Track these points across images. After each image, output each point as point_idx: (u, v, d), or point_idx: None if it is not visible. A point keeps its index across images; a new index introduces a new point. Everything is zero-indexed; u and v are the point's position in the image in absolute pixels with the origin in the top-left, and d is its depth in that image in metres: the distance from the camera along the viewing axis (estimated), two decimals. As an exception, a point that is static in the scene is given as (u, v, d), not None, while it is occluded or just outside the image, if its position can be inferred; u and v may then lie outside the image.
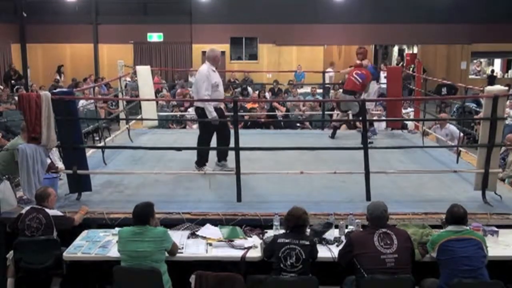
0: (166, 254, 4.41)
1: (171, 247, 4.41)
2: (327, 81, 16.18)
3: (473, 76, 21.81)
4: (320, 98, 13.76)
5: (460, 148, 7.41)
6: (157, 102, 10.59)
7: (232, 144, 5.67)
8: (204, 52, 20.35)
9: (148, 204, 4.46)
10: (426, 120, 9.67)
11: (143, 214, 4.37)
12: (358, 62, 8.85)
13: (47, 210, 4.89)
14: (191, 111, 11.63)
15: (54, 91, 6.16)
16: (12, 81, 17.70)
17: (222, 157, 6.74)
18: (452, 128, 8.56)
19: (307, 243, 4.25)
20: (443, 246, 4.23)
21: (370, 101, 8.00)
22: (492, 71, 21.48)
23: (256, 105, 12.51)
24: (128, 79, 13.67)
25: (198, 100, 6.52)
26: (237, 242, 4.72)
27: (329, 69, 17.17)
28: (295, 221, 4.32)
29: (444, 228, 4.49)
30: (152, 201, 4.54)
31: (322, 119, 10.72)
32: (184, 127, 11.13)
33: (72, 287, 5.05)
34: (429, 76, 12.12)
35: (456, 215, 4.34)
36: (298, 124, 11.76)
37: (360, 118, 6.40)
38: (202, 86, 6.38)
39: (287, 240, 4.24)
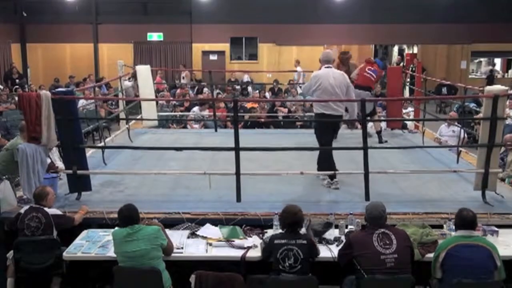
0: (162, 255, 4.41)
1: (166, 244, 4.40)
2: (299, 79, 16.34)
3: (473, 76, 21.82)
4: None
5: (460, 148, 7.41)
6: (157, 102, 10.59)
7: (232, 144, 5.66)
8: (204, 52, 20.66)
9: (130, 204, 4.48)
10: (426, 120, 9.66)
11: (131, 214, 4.39)
12: (368, 58, 8.84)
13: (46, 209, 4.90)
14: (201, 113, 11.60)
15: (54, 90, 6.15)
16: (17, 80, 17.61)
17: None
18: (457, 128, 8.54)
19: (304, 242, 4.24)
20: (450, 251, 4.09)
21: (370, 101, 7.97)
22: (491, 70, 21.42)
23: (256, 105, 12.50)
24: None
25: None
26: (237, 242, 4.72)
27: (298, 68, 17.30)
28: (292, 218, 4.30)
29: (454, 232, 4.39)
30: (152, 201, 4.53)
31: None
32: (184, 127, 11.13)
33: (72, 287, 5.05)
34: (429, 76, 12.10)
35: (466, 219, 4.19)
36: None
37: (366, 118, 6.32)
38: (352, 89, 6.45)
39: (283, 241, 4.23)
